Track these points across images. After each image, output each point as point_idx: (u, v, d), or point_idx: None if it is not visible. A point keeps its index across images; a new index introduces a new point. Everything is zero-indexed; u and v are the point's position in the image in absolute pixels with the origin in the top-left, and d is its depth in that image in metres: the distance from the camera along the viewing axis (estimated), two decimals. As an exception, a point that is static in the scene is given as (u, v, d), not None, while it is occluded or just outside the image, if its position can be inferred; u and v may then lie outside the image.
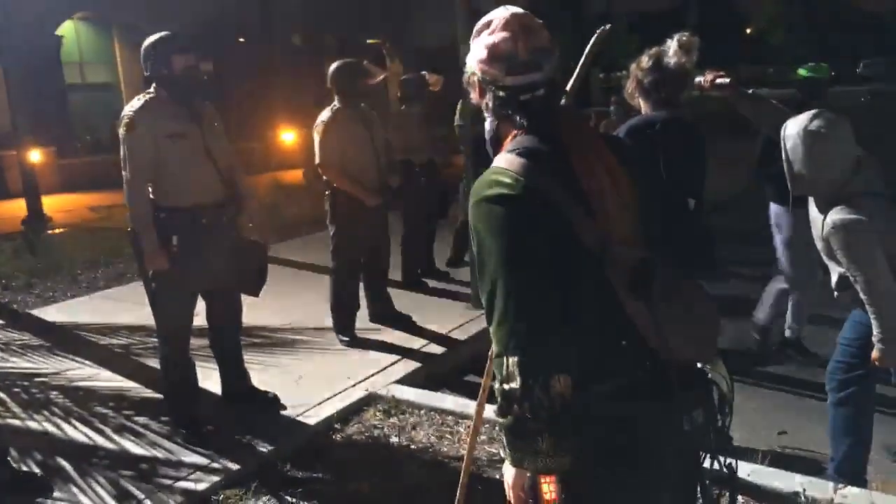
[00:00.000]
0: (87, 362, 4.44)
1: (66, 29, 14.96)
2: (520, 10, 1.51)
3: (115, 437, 3.44)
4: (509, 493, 1.49)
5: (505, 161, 1.44)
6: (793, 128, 2.72)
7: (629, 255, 1.43)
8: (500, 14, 1.50)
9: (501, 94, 1.49)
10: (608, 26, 2.42)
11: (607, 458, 1.43)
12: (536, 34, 1.49)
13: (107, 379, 4.16)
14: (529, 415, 1.34)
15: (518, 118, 1.50)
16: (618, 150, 1.55)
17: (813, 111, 2.73)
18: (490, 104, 1.53)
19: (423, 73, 5.88)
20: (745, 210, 8.28)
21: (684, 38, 2.79)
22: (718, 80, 3.04)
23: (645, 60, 2.89)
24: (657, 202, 1.59)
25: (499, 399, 1.39)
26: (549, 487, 1.41)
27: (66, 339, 4.92)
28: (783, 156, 2.76)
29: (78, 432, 3.52)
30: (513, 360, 1.35)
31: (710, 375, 1.52)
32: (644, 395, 1.42)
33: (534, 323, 1.37)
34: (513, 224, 1.39)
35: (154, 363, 4.15)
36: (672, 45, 2.80)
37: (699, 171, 2.95)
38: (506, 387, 1.36)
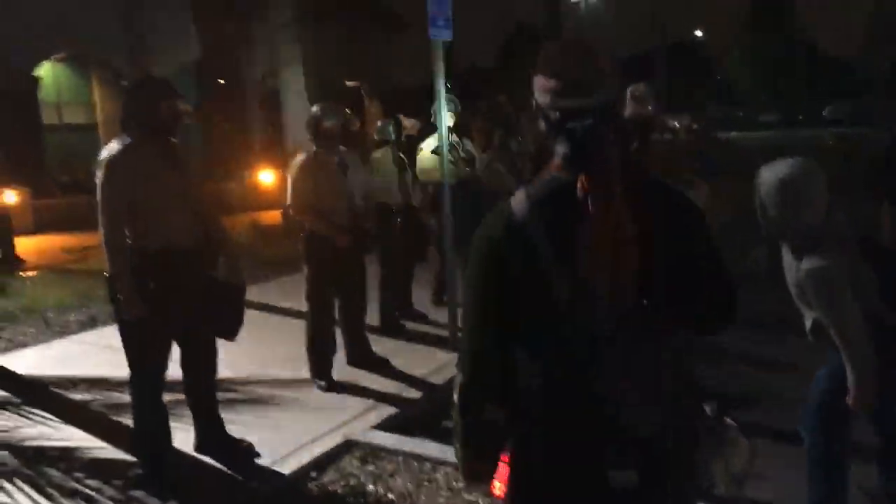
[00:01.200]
0: (43, 417, 4.21)
1: (45, 69, 14.95)
2: (586, 38, 1.53)
3: (65, 504, 3.23)
4: None
5: (516, 199, 1.50)
6: (768, 173, 2.78)
7: (596, 321, 1.43)
8: (563, 39, 1.56)
9: (551, 117, 1.48)
10: None
11: (538, 481, 1.52)
12: (592, 60, 1.47)
13: (61, 438, 3.92)
14: (460, 429, 1.55)
15: (558, 148, 1.47)
16: (655, 203, 1.48)
17: (788, 158, 2.80)
18: (541, 128, 1.52)
19: (399, 116, 5.95)
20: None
21: (637, 91, 2.87)
22: (694, 126, 3.12)
23: None
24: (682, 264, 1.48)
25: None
26: (498, 485, 1.58)
27: (26, 391, 4.67)
28: (757, 201, 2.81)
29: (26, 498, 3.30)
30: (460, 378, 1.55)
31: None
32: (576, 442, 1.48)
33: (480, 356, 1.53)
34: (489, 266, 1.51)
35: (114, 418, 4.03)
36: (626, 97, 2.89)
37: None
38: (453, 395, 1.56)
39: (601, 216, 1.40)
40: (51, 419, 4.20)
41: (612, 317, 1.43)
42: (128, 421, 3.61)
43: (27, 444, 3.89)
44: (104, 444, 3.80)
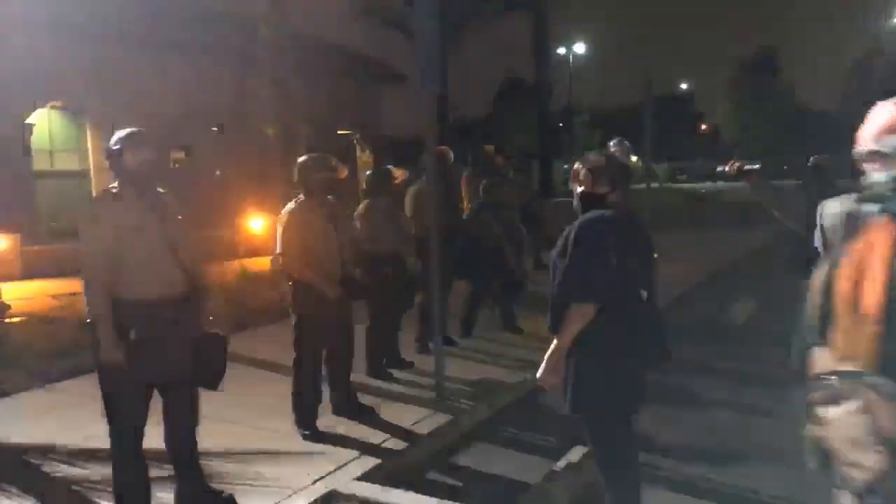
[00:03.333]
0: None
1: (38, 116, 15.06)
2: None
3: None
4: None
5: None
6: (832, 207, 2.83)
7: None
8: None
9: None
10: None
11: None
12: None
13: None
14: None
15: None
16: None
17: (851, 194, 2.88)
18: None
19: (389, 166, 6.03)
20: (699, 303, 8.43)
21: (622, 145, 3.04)
22: (746, 167, 3.30)
23: (594, 160, 3.08)
24: None
25: None
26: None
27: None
28: (820, 233, 2.87)
29: None
30: None
31: None
32: None
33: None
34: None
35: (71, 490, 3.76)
36: (613, 149, 3.02)
37: (648, 263, 3.06)
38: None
39: None
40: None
41: None
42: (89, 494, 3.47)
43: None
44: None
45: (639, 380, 3.01)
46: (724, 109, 51.75)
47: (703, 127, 57.53)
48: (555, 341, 2.91)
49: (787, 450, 3.14)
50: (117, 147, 3.24)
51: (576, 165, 3.15)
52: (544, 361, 2.94)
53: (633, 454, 3.10)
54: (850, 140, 2.19)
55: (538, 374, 2.99)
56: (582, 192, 3.06)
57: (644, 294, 2.95)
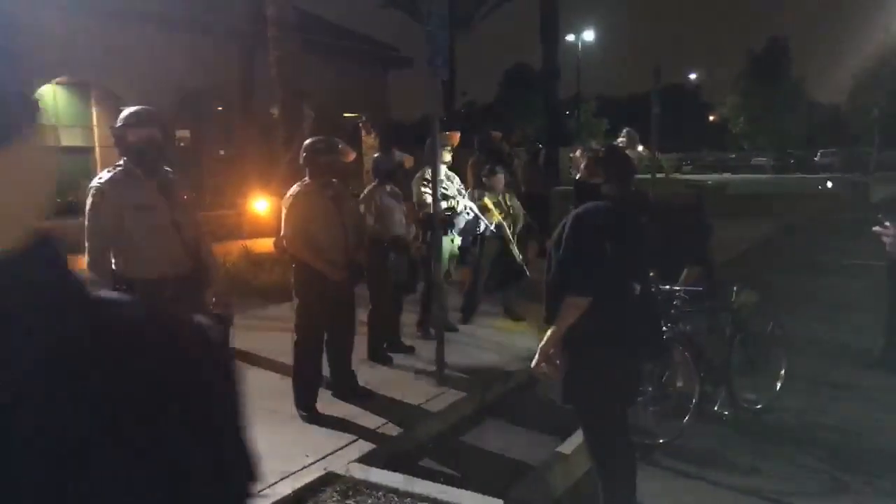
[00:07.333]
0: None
1: (45, 92, 15.03)
2: None
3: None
4: None
5: None
6: None
7: None
8: None
9: None
10: None
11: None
12: None
13: None
14: None
15: None
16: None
17: None
18: None
19: (395, 151, 6.02)
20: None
21: (630, 135, 3.02)
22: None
23: (593, 149, 3.07)
24: None
25: None
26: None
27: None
28: None
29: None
30: None
31: None
32: None
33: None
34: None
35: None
36: (622, 139, 3.01)
37: (643, 256, 3.04)
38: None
39: None
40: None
41: None
42: None
43: None
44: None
45: (632, 372, 3.02)
46: (733, 101, 51.37)
47: (712, 118, 57.21)
48: (549, 331, 2.92)
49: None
50: (120, 125, 3.25)
51: (577, 153, 3.15)
52: (538, 351, 2.95)
53: (626, 445, 3.10)
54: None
55: (532, 364, 3.00)
56: (577, 181, 3.05)
57: (637, 287, 2.94)
